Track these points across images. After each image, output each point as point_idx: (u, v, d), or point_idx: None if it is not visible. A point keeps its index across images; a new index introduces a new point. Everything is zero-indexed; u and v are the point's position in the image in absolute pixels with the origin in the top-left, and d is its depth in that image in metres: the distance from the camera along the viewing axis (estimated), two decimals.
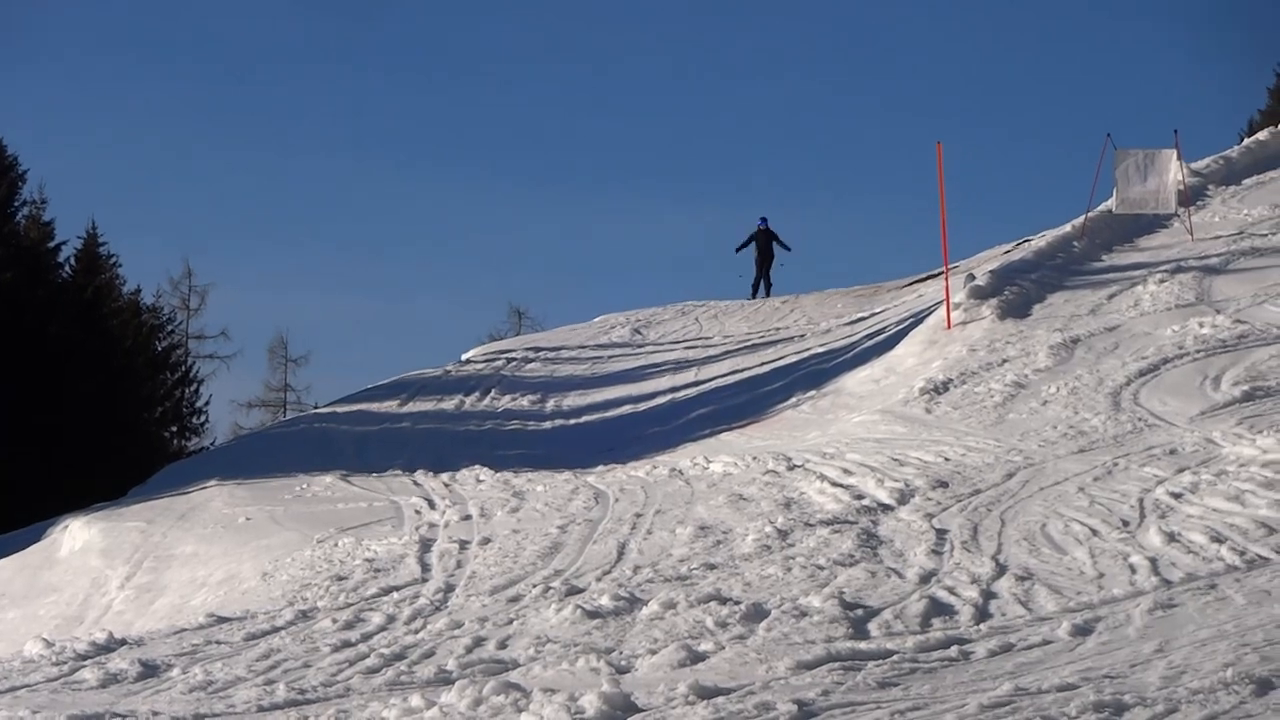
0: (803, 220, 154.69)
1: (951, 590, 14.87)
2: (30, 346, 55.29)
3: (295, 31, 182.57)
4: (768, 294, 44.06)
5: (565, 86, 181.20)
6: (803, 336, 36.70)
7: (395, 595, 17.01)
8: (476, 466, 25.33)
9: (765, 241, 44.08)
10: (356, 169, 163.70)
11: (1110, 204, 30.22)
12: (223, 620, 16.24)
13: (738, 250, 45.48)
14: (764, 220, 44.35)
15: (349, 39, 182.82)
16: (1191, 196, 30.40)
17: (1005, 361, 23.89)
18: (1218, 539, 15.72)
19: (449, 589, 17.15)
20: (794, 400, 27.21)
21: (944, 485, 19.08)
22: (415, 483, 24.42)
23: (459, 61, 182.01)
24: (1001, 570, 15.51)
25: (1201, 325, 23.30)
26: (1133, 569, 15.11)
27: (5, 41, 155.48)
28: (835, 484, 19.74)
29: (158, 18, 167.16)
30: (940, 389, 23.80)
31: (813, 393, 27.16)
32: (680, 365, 36.67)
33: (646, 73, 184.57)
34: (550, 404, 34.19)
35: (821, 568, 16.01)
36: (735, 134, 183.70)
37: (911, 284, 38.49)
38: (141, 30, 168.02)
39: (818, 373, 29.46)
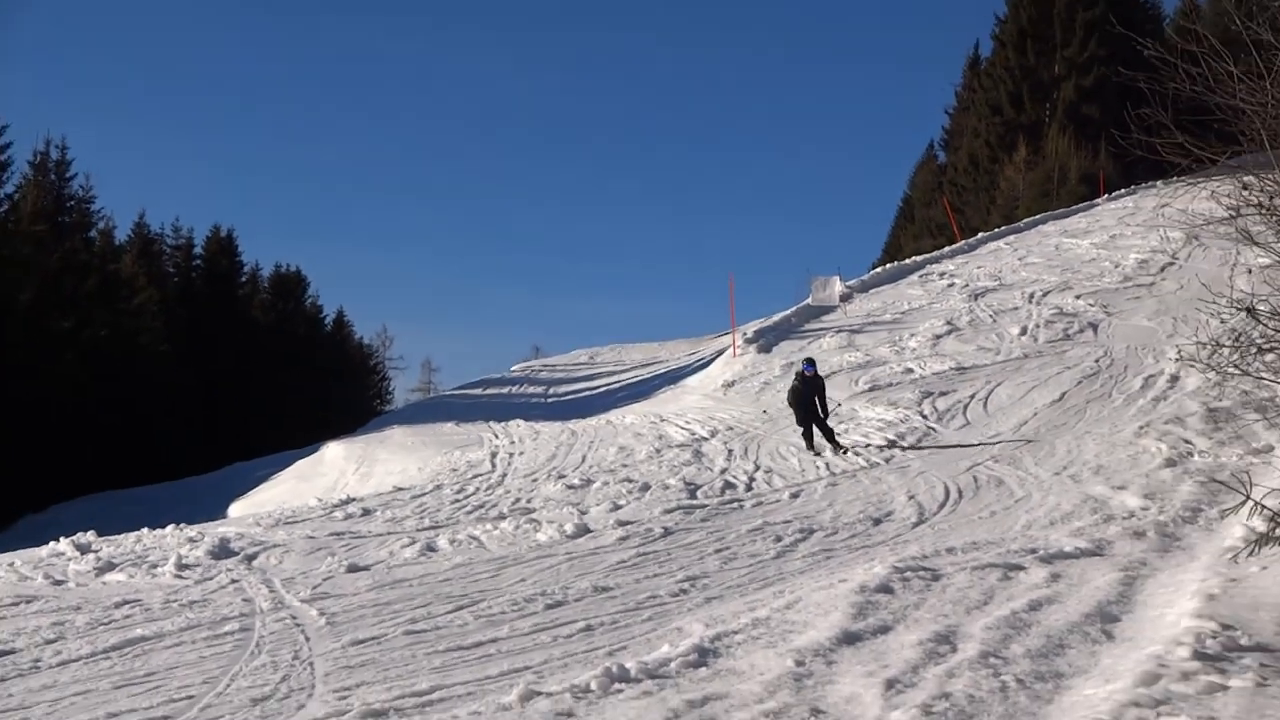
0: (676, 299, 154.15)
1: (734, 477, 15.51)
2: (313, 370, 57.16)
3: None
4: None
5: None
6: (667, 360, 36.15)
7: (479, 479, 17.19)
8: (518, 419, 24.65)
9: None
10: (459, 281, 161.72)
11: (809, 300, 30.00)
12: (400, 490, 16.49)
13: None
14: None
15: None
16: (846, 298, 30.25)
17: (760, 373, 23.65)
18: (856, 454, 16.29)
19: (504, 475, 17.40)
20: (664, 390, 26.96)
21: (731, 429, 19.20)
22: (489, 427, 23.78)
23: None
24: (758, 468, 16.13)
25: (850, 356, 23.27)
26: (818, 468, 15.72)
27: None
28: (682, 428, 19.82)
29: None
30: (730, 384, 23.17)
31: (671, 386, 26.98)
32: (611, 373, 36.02)
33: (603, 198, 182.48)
34: (550, 392, 33.63)
35: (675, 466, 16.45)
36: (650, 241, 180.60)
37: (718, 336, 37.44)
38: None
39: (675, 376, 29.30)
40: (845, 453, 16.59)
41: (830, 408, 17.82)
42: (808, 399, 17.39)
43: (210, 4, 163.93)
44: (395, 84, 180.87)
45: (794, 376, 18.10)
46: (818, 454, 16.67)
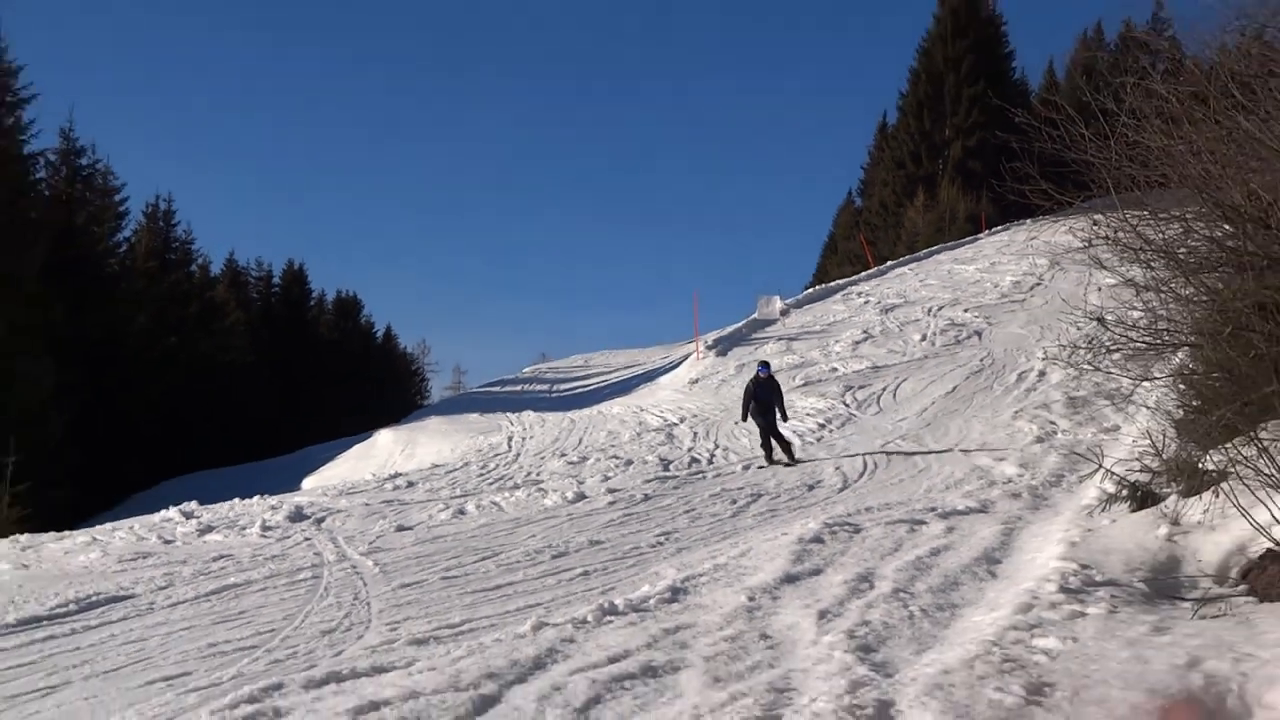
0: (653, 312, 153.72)
1: (699, 454, 15.30)
2: (368, 378, 56.42)
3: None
4: None
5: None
6: (645, 363, 35.73)
7: (498, 457, 17.09)
8: (528, 411, 24.50)
9: None
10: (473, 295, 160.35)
11: (756, 314, 29.80)
12: (437, 466, 16.50)
13: None
14: None
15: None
16: (785, 312, 29.91)
17: (718, 372, 23.51)
18: (799, 434, 15.96)
19: (518, 454, 17.25)
20: (643, 386, 26.62)
21: (696, 416, 18.87)
22: (506, 416, 23.55)
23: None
24: (718, 446, 15.86)
25: (788, 359, 22.99)
26: (765, 446, 14.98)
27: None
28: (657, 416, 19.58)
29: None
30: (694, 382, 23.06)
31: (649, 384, 26.67)
32: (602, 374, 35.62)
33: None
34: (554, 388, 33.30)
35: (653, 446, 16.27)
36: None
37: (685, 343, 36.66)
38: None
39: (651, 376, 28.90)
40: (797, 464, 13.66)
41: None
42: (766, 405, 14.10)
43: (216, 15, 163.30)
44: (421, 133, 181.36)
45: (750, 380, 14.69)
46: (773, 466, 13.85)
